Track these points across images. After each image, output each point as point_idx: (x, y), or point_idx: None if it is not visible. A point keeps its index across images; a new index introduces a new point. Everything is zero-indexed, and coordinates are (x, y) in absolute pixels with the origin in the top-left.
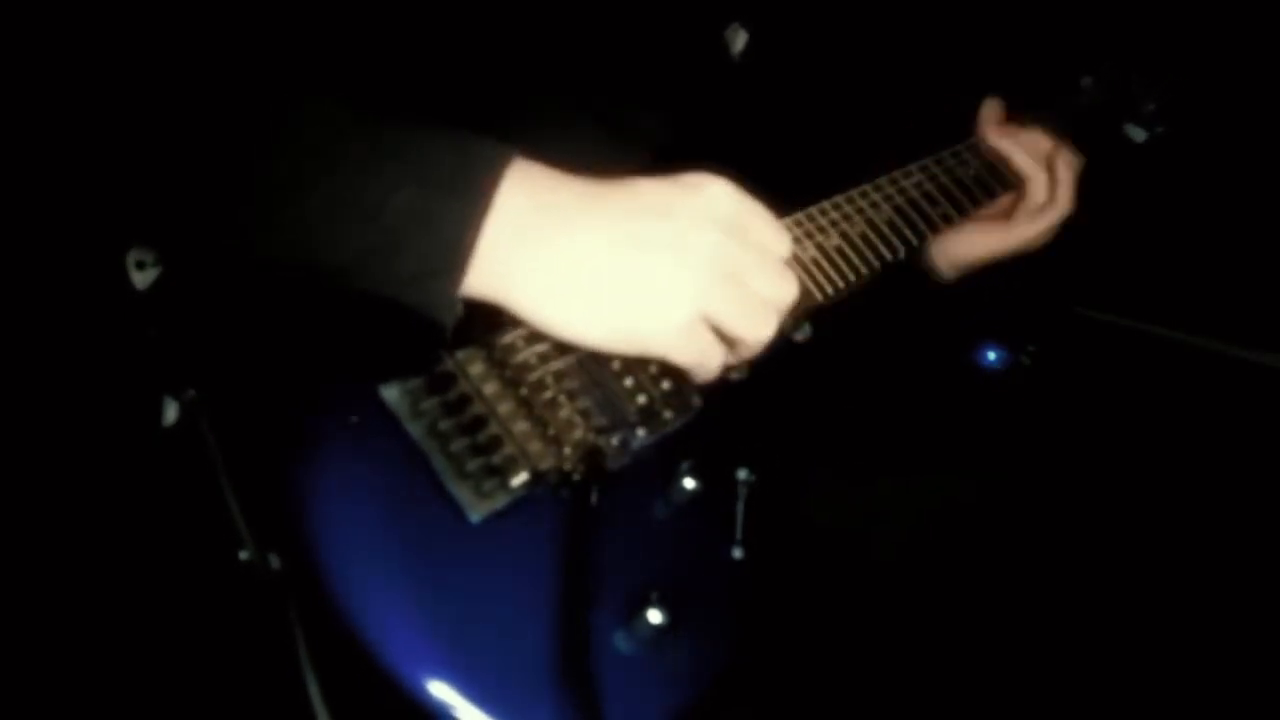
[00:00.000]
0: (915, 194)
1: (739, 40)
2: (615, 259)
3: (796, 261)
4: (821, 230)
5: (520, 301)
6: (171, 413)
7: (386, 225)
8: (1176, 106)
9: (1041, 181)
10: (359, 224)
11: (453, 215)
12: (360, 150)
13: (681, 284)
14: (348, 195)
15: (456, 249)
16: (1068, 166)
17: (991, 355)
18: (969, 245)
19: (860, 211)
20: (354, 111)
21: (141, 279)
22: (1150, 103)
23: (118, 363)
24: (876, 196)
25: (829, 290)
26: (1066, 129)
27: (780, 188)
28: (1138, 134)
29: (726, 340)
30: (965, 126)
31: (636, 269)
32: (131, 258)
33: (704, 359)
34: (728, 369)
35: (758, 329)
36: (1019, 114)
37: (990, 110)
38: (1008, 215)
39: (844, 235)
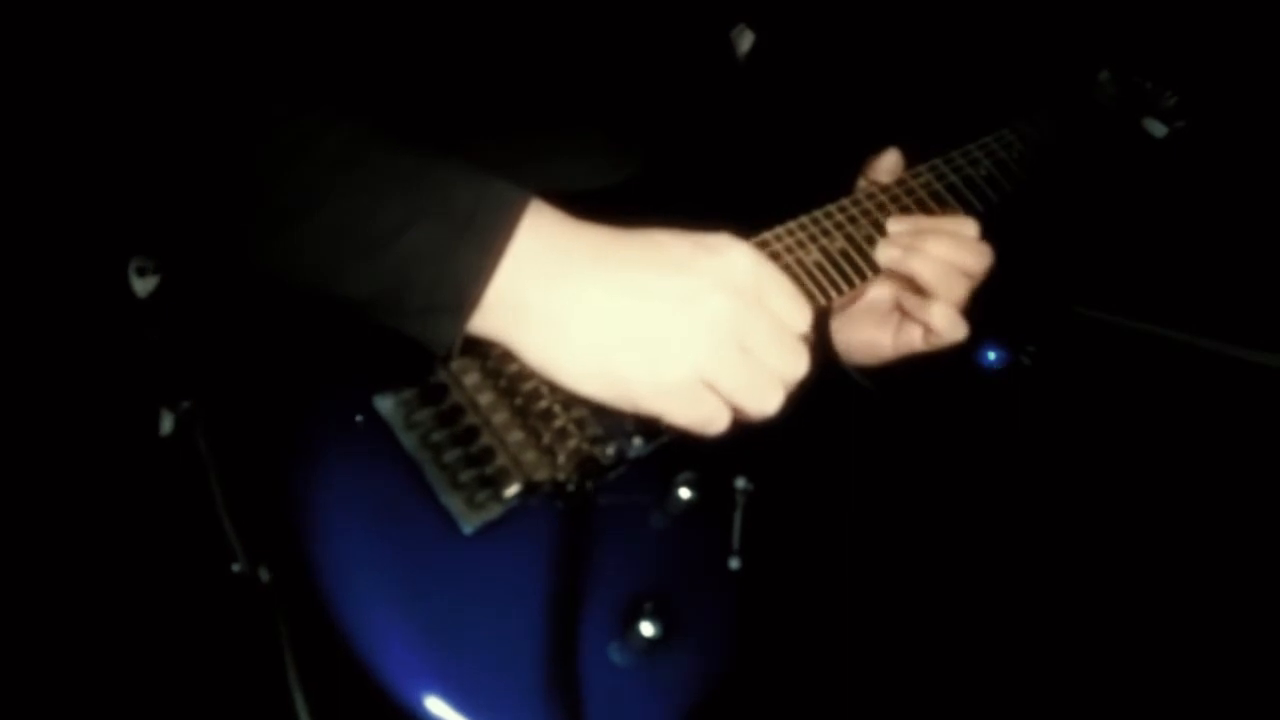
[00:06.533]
0: (923, 194)
1: (745, 41)
2: (622, 310)
3: (799, 267)
4: (825, 234)
5: (523, 344)
6: (167, 424)
7: (398, 257)
8: (1198, 100)
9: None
10: (370, 251)
11: (467, 255)
12: (377, 175)
13: (684, 343)
14: (360, 218)
15: (468, 289)
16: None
17: (991, 355)
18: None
19: (866, 214)
20: (375, 134)
21: (142, 286)
22: (1171, 96)
23: (116, 371)
24: (884, 198)
25: (832, 294)
26: (1082, 126)
27: (784, 191)
28: (1158, 129)
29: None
30: (976, 126)
31: (641, 321)
32: (133, 264)
33: (705, 423)
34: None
35: (763, 401)
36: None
37: (885, 165)
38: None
39: (849, 238)
